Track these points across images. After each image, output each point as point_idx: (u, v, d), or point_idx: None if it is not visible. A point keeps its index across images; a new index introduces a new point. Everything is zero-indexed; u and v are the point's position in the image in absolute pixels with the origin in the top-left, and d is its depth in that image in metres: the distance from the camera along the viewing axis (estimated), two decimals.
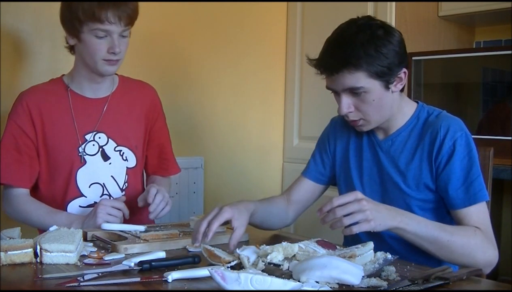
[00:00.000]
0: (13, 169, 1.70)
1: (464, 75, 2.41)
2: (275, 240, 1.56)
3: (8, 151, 1.71)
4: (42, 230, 1.61)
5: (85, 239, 1.46)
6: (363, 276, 1.13)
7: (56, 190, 1.76)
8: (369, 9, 2.47)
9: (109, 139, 1.79)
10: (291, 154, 2.92)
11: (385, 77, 1.43)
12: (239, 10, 2.74)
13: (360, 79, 1.41)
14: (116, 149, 1.80)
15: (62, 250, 1.23)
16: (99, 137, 1.78)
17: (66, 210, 1.74)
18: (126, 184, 1.83)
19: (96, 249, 1.37)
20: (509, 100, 2.26)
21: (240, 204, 1.46)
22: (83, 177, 1.76)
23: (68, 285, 1.08)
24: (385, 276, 1.18)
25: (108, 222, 1.56)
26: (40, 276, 1.13)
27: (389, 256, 1.22)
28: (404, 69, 1.47)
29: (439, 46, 2.58)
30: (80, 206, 1.75)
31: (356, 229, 1.28)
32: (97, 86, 1.80)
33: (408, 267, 1.27)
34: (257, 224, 1.60)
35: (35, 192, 1.78)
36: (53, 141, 1.74)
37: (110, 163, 1.79)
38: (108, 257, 1.30)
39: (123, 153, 1.81)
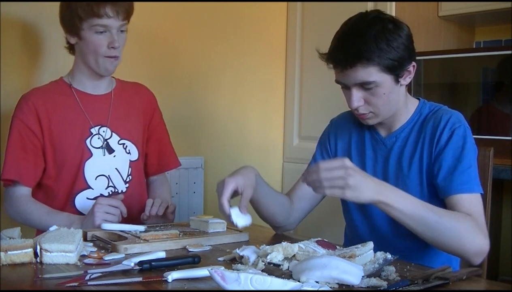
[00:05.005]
0: (19, 167, 1.74)
1: (464, 75, 2.41)
2: (275, 240, 1.56)
3: (15, 149, 1.74)
4: (42, 230, 1.62)
5: (85, 239, 1.47)
6: (363, 276, 1.13)
7: (64, 184, 1.79)
8: (369, 9, 2.46)
9: (113, 133, 1.85)
10: (291, 153, 2.92)
11: (396, 71, 1.44)
12: (239, 10, 2.74)
13: (372, 73, 1.42)
14: (119, 142, 1.86)
15: (62, 250, 1.23)
16: (103, 131, 1.83)
17: (74, 203, 1.78)
18: (130, 176, 1.87)
19: (96, 249, 1.37)
20: (509, 100, 2.26)
21: (241, 169, 1.50)
22: (90, 169, 1.80)
23: (68, 285, 1.08)
24: (385, 276, 1.18)
25: (106, 220, 1.57)
26: (40, 276, 1.13)
27: (389, 256, 1.22)
28: (413, 63, 1.49)
29: (439, 46, 2.58)
30: (87, 198, 1.79)
31: (328, 192, 1.28)
32: (98, 83, 1.86)
33: (408, 267, 1.27)
34: (261, 203, 1.59)
35: (40, 189, 1.82)
36: (60, 137, 1.78)
37: (114, 156, 1.84)
38: (108, 257, 1.30)
39: (126, 146, 1.87)
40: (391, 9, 2.44)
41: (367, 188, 1.29)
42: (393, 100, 1.49)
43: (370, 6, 2.49)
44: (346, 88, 1.49)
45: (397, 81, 1.46)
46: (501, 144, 2.20)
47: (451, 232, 1.34)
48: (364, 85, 1.44)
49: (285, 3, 2.93)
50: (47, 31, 2.15)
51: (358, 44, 1.40)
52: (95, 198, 1.76)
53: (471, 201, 1.41)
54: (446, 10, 2.57)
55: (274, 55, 2.92)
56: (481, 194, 1.45)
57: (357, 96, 1.46)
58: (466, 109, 2.36)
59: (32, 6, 2.12)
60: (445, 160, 1.45)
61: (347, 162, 1.29)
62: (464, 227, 1.34)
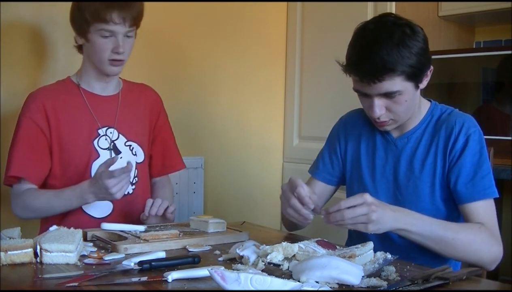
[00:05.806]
0: (25, 165, 1.74)
1: (464, 75, 2.41)
2: (275, 240, 1.56)
3: (22, 147, 1.74)
4: (54, 214, 1.70)
5: (85, 239, 1.47)
6: (363, 276, 1.13)
7: (70, 184, 1.76)
8: (369, 9, 2.46)
9: (120, 134, 1.85)
10: (291, 153, 2.92)
11: (417, 77, 1.44)
12: (239, 10, 2.74)
13: (397, 83, 1.41)
14: (126, 144, 1.86)
15: (62, 250, 1.23)
16: (111, 132, 1.83)
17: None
18: (136, 178, 1.87)
19: (96, 249, 1.37)
20: (509, 100, 2.26)
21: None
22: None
23: (68, 285, 1.08)
24: (385, 276, 1.18)
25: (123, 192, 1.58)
26: (40, 276, 1.13)
27: (389, 256, 1.22)
28: (431, 67, 1.48)
29: (439, 46, 2.58)
30: None
31: (350, 228, 1.30)
32: (106, 84, 1.86)
33: (408, 267, 1.27)
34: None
35: (44, 188, 1.80)
36: (67, 137, 1.78)
37: (121, 157, 1.83)
38: (108, 257, 1.30)
39: (133, 147, 1.87)
40: (391, 9, 2.43)
41: (387, 219, 1.31)
42: (412, 105, 1.49)
43: (370, 6, 2.48)
44: (366, 96, 1.47)
45: (417, 86, 1.46)
46: (501, 144, 2.19)
47: (468, 247, 1.37)
48: (388, 95, 1.43)
49: (285, 3, 2.92)
50: (48, 31, 2.16)
51: (382, 56, 1.37)
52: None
53: (486, 208, 1.45)
54: (446, 10, 2.57)
55: (274, 55, 2.92)
56: (495, 197, 1.48)
57: (380, 105, 1.45)
58: (466, 109, 2.36)
59: (32, 6, 2.12)
60: (464, 167, 1.46)
61: (367, 197, 1.29)
62: (480, 239, 1.38)
